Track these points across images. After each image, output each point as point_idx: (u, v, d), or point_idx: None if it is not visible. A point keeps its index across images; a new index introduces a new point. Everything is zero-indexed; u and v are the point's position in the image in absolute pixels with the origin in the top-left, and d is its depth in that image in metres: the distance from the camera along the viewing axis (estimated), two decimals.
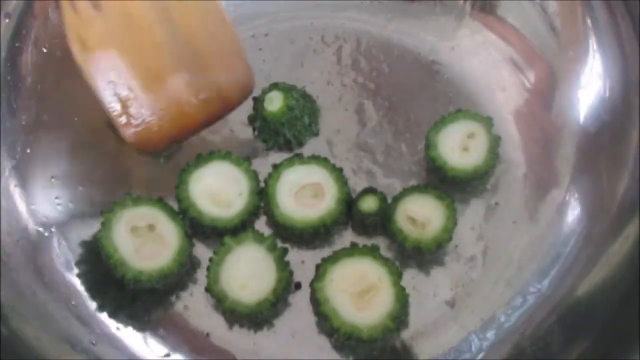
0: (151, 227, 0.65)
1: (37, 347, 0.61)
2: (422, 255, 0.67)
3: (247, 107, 0.72)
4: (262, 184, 0.69)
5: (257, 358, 0.65)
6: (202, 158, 0.68)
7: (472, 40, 0.77)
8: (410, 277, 0.67)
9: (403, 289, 0.63)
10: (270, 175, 0.69)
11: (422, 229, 0.65)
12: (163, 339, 0.65)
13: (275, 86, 0.72)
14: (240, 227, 0.67)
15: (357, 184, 0.71)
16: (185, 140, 0.68)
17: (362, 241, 0.67)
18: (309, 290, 0.65)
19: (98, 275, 0.66)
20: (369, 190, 0.68)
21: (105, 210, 0.65)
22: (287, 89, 0.71)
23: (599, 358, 0.59)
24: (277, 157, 0.71)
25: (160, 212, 0.66)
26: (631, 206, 0.66)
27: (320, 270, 0.64)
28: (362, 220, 0.68)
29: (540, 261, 0.68)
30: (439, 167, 0.68)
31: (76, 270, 0.67)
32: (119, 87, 0.62)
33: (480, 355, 0.65)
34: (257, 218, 0.69)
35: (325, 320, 0.63)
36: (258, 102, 0.72)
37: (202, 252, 0.68)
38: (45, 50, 0.71)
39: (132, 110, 0.63)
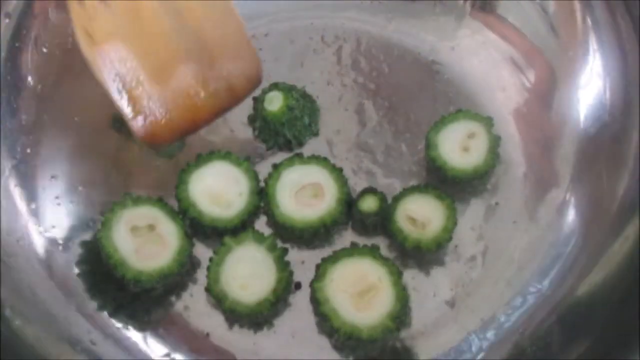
0: (151, 227, 0.65)
1: (37, 347, 0.61)
2: (422, 255, 0.67)
3: (247, 107, 0.72)
4: (262, 184, 0.69)
5: (257, 358, 0.65)
6: (202, 158, 0.68)
7: (472, 40, 0.77)
8: (410, 277, 0.67)
9: (403, 289, 0.63)
10: (270, 175, 0.69)
11: (422, 229, 0.65)
12: (163, 339, 0.65)
13: (275, 86, 0.72)
14: (240, 227, 0.67)
15: (357, 184, 0.71)
16: (195, 133, 0.67)
17: (362, 241, 0.67)
18: (309, 290, 0.65)
19: (98, 275, 0.66)
20: (369, 190, 0.68)
21: (105, 210, 0.65)
22: (287, 89, 0.71)
23: (599, 358, 0.59)
24: (277, 157, 0.71)
25: (160, 212, 0.66)
26: (631, 206, 0.66)
27: (320, 270, 0.64)
28: (362, 220, 0.68)
29: (540, 261, 0.68)
30: (439, 167, 0.68)
31: (76, 270, 0.67)
32: (127, 80, 0.62)
33: (480, 355, 0.65)
34: (257, 218, 0.69)
35: (325, 320, 0.63)
36: (258, 102, 0.72)
37: (202, 252, 0.68)
38: (45, 50, 0.71)
39: (141, 103, 0.62)
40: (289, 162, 0.69)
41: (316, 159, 0.69)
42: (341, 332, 0.62)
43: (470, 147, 0.69)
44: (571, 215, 0.69)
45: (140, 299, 0.66)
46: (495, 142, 0.69)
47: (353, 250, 0.65)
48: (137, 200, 0.65)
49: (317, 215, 0.66)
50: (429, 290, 0.67)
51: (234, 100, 0.66)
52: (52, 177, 0.70)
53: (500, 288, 0.67)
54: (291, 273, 0.65)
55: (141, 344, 0.65)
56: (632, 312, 0.59)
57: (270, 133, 0.72)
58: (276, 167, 0.69)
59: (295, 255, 0.67)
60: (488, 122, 0.69)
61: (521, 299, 0.67)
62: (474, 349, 0.65)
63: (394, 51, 0.77)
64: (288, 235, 0.68)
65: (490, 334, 0.65)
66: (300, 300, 0.66)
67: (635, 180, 0.67)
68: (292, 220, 0.67)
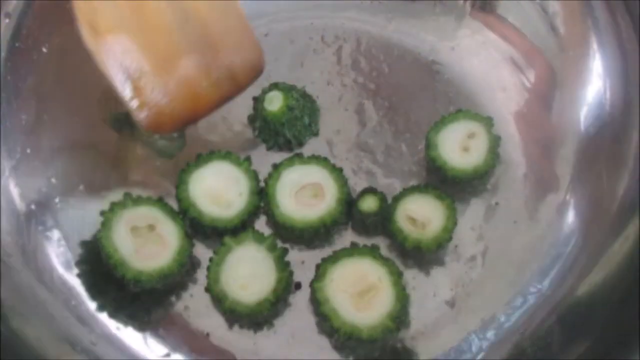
0: (151, 227, 0.65)
1: (37, 347, 0.61)
2: (422, 255, 0.67)
3: (247, 107, 0.72)
4: (262, 184, 0.69)
5: (257, 358, 0.65)
6: (202, 158, 0.68)
7: (472, 40, 0.77)
8: (411, 277, 0.67)
9: (403, 289, 0.63)
10: (270, 175, 0.69)
11: (422, 229, 0.65)
12: (163, 339, 0.65)
13: (275, 86, 0.72)
14: (240, 227, 0.67)
15: (357, 184, 0.71)
16: (196, 123, 0.67)
17: (362, 241, 0.67)
18: (309, 290, 0.65)
19: (98, 275, 0.66)
20: (369, 190, 0.68)
21: (105, 210, 0.65)
22: (287, 89, 0.71)
23: (599, 358, 0.59)
24: (277, 157, 0.71)
25: (160, 212, 0.66)
26: (631, 206, 0.66)
27: (320, 270, 0.64)
28: (362, 220, 0.68)
29: (540, 261, 0.68)
30: (439, 167, 0.68)
31: (76, 270, 0.67)
32: (131, 72, 0.62)
33: (480, 355, 0.65)
34: (257, 218, 0.69)
35: (325, 321, 0.63)
36: (258, 102, 0.72)
37: (202, 252, 0.68)
38: (45, 50, 0.71)
39: (144, 93, 0.62)
40: (289, 162, 0.69)
41: (316, 159, 0.69)
42: (341, 332, 0.62)
43: (470, 147, 0.69)
44: (571, 215, 0.69)
45: (140, 299, 0.66)
46: (495, 142, 0.69)
47: (353, 250, 0.65)
48: (137, 201, 0.65)
49: (317, 215, 0.66)
50: (429, 290, 0.67)
51: (237, 89, 0.66)
52: (52, 177, 0.70)
53: (501, 288, 0.67)
54: (291, 273, 0.65)
55: (141, 344, 0.65)
56: (632, 312, 0.59)
57: (270, 133, 0.72)
58: (276, 167, 0.69)
59: (295, 255, 0.67)
60: (488, 122, 0.69)
61: (521, 299, 0.66)
62: (474, 349, 0.65)
63: (394, 51, 0.77)
64: (288, 235, 0.68)
65: (490, 334, 0.65)
66: (300, 300, 0.66)
67: (635, 180, 0.67)
68: (292, 220, 0.66)
